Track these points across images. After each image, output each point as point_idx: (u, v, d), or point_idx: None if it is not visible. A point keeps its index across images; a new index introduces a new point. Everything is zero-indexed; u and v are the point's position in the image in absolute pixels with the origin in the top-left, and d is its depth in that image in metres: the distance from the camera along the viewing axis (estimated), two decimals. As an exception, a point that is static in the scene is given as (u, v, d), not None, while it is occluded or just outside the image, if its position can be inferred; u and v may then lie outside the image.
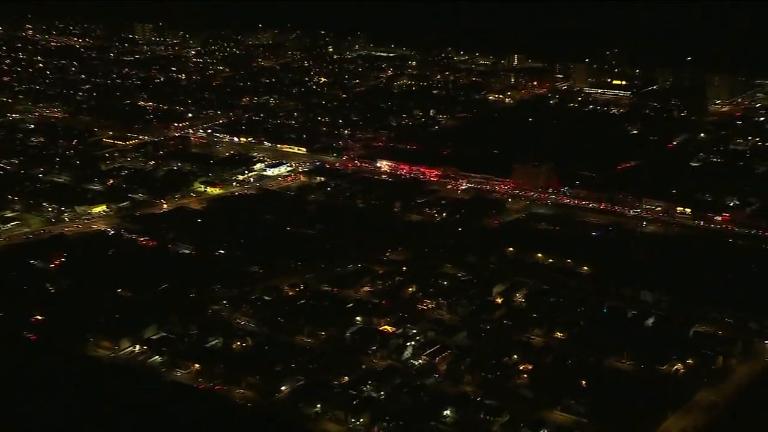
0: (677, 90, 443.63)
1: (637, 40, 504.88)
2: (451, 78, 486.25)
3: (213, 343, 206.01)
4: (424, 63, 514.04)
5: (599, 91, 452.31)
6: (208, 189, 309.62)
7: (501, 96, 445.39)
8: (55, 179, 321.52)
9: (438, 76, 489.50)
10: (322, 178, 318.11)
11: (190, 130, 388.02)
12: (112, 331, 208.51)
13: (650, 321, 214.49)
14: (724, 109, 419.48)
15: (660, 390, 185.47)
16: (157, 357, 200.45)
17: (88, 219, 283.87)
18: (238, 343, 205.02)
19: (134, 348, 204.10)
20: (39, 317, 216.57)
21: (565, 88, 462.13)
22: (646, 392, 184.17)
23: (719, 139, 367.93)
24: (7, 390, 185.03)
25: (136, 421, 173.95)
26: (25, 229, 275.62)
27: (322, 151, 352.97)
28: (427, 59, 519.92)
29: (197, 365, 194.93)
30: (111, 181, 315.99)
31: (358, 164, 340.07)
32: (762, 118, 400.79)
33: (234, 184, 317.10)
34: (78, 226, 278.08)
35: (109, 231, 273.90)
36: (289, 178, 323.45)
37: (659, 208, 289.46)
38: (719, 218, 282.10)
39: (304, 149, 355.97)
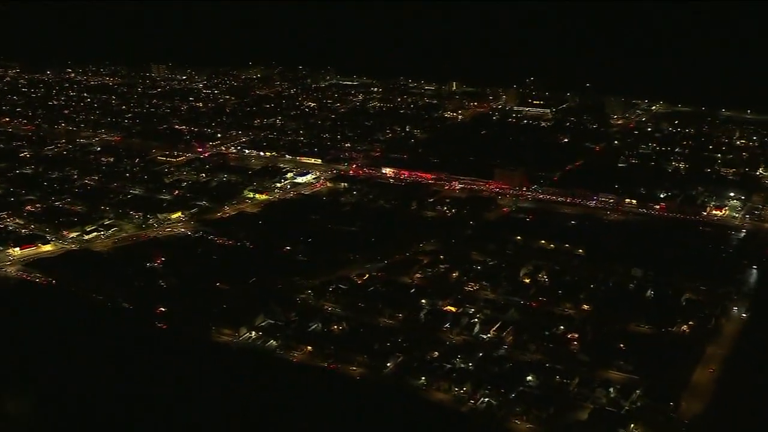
0: (584, 107, 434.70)
1: (547, 70, 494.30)
2: (409, 100, 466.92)
3: (313, 327, 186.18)
4: (386, 89, 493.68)
5: (526, 109, 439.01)
6: (256, 195, 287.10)
7: (454, 114, 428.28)
8: (131, 192, 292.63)
9: (399, 99, 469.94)
10: (345, 184, 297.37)
11: (223, 148, 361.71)
12: (229, 320, 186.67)
13: (650, 293, 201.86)
14: (619, 122, 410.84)
15: (679, 347, 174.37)
16: (272, 341, 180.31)
17: (169, 224, 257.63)
18: (335, 326, 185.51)
19: (251, 334, 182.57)
20: (162, 309, 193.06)
21: (500, 107, 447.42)
22: (669, 349, 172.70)
23: (629, 145, 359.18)
24: (161, 375, 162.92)
25: (275, 399, 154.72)
26: (124, 234, 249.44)
27: (335, 162, 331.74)
28: (388, 86, 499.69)
29: (309, 347, 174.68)
30: (177, 192, 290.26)
31: (367, 171, 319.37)
32: (650, 129, 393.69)
33: (275, 191, 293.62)
34: (165, 230, 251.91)
35: (191, 233, 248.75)
36: (318, 185, 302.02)
37: (612, 200, 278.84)
38: (658, 207, 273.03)
39: (320, 160, 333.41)
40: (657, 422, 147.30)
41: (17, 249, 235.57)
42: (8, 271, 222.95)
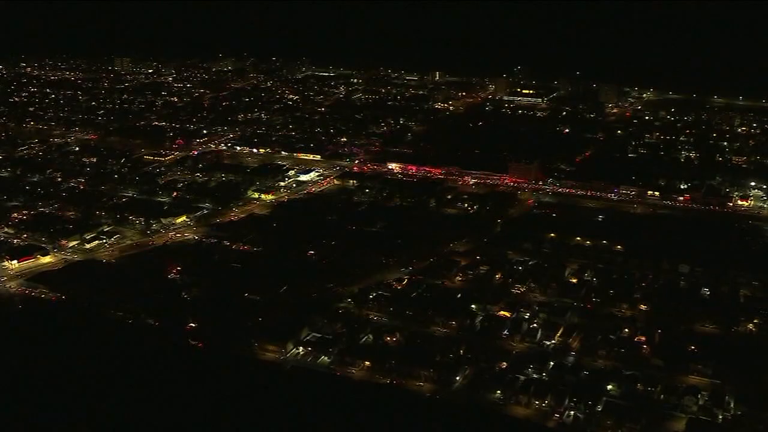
0: (577, 96, 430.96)
1: (533, 58, 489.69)
2: (393, 92, 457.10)
3: (364, 339, 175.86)
4: (368, 80, 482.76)
5: (517, 98, 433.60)
6: (262, 196, 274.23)
7: (445, 105, 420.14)
8: (125, 194, 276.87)
9: (383, 91, 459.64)
10: (355, 181, 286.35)
11: (212, 145, 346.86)
12: (272, 334, 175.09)
13: (705, 291, 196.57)
14: (615, 111, 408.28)
15: (750, 347, 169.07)
16: (323, 357, 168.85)
17: (175, 229, 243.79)
18: (388, 338, 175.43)
19: (298, 350, 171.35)
20: (193, 324, 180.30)
21: (490, 97, 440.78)
22: (742, 350, 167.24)
23: (632, 135, 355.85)
24: (209, 400, 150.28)
25: (346, 421, 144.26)
26: (128, 242, 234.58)
27: (336, 157, 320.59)
28: (369, 77, 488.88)
29: (367, 362, 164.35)
30: (175, 194, 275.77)
31: (372, 167, 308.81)
32: (648, 117, 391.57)
33: (282, 190, 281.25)
34: (173, 236, 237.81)
35: (202, 239, 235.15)
36: (324, 182, 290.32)
37: (633, 193, 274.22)
38: (681, 198, 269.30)
39: (319, 156, 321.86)
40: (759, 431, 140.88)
41: (15, 262, 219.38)
42: (9, 287, 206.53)
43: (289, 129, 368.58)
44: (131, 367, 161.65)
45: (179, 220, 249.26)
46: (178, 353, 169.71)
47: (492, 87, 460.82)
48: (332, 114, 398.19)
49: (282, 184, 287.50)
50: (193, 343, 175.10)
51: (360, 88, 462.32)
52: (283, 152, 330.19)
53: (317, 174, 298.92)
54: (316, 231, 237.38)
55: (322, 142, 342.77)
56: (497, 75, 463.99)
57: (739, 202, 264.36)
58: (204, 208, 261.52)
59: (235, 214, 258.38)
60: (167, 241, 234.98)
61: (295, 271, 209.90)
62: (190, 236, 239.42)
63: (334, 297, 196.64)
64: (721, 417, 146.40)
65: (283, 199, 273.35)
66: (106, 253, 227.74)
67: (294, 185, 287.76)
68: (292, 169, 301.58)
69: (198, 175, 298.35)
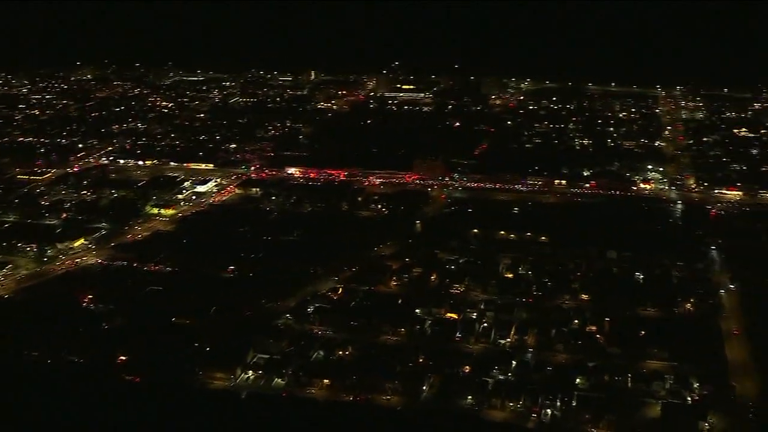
0: (460, 89, 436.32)
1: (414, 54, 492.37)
2: (271, 93, 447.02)
3: (315, 356, 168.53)
4: (242, 83, 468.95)
5: (399, 94, 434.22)
6: (162, 211, 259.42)
7: (328, 104, 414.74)
8: (4, 220, 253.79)
9: (259, 93, 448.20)
10: (258, 189, 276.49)
11: (91, 160, 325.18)
12: (215, 360, 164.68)
13: (639, 275, 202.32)
14: (498, 102, 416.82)
15: (696, 327, 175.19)
16: (277, 379, 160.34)
17: (74, 253, 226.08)
18: (340, 352, 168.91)
19: (248, 374, 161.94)
20: (123, 357, 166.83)
21: (372, 95, 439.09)
22: (688, 330, 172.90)
23: (523, 125, 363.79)
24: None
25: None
26: (24, 272, 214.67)
27: (230, 165, 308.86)
28: (242, 80, 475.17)
29: (326, 380, 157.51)
30: (64, 215, 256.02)
31: (271, 173, 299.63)
32: (532, 107, 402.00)
33: (181, 203, 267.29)
34: (74, 262, 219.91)
35: (109, 263, 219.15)
36: (225, 192, 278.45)
37: (540, 182, 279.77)
38: (588, 185, 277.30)
39: (211, 165, 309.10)
40: (728, 408, 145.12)
41: None
42: None
43: (172, 138, 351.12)
44: (63, 415, 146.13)
45: (77, 244, 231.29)
46: (115, 392, 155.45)
47: (371, 84, 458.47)
48: (213, 120, 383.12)
49: (180, 197, 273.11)
50: (129, 378, 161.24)
51: (236, 92, 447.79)
52: (172, 163, 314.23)
53: (215, 184, 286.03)
54: (231, 244, 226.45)
55: (212, 150, 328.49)
56: (374, 72, 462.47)
57: (642, 186, 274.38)
58: (101, 228, 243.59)
59: (138, 232, 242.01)
60: (69, 267, 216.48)
61: (221, 290, 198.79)
62: (93, 260, 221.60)
63: (270, 314, 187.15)
64: (689, 399, 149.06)
65: (185, 213, 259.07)
66: (1, 287, 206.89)
67: (193, 197, 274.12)
68: (187, 181, 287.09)
69: (85, 193, 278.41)
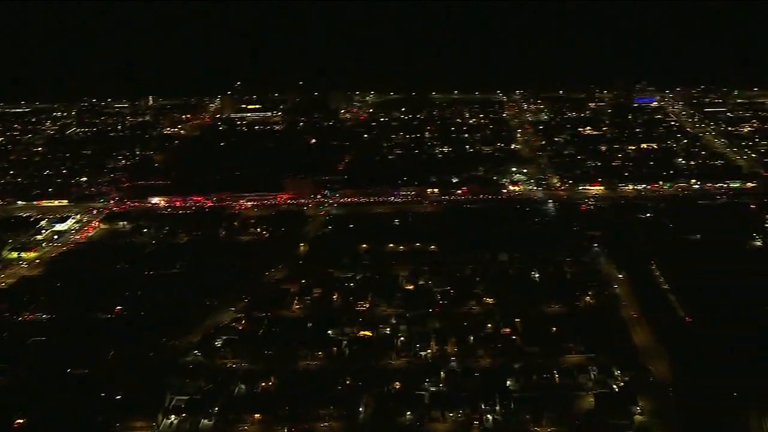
0: (308, 105, 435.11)
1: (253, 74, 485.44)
2: (110, 122, 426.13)
3: (237, 390, 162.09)
4: (76, 113, 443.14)
5: (246, 115, 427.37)
6: (23, 254, 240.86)
7: (175, 130, 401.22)
8: None
9: (97, 121, 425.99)
10: (125, 222, 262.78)
11: None
12: (131, 410, 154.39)
13: (536, 274, 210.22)
14: (347, 116, 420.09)
15: (602, 318, 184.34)
16: (203, 420, 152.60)
17: None
18: (263, 383, 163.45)
19: (170, 419, 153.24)
20: (21, 420, 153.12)
21: (219, 117, 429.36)
22: (595, 322, 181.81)
23: (380, 137, 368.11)
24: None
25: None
26: None
27: (86, 199, 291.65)
28: (75, 109, 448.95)
29: (257, 415, 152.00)
30: None
31: (134, 204, 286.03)
32: (383, 118, 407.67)
33: (43, 245, 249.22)
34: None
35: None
36: (89, 228, 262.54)
37: (413, 192, 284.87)
38: (460, 192, 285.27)
39: (65, 201, 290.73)
40: (650, 390, 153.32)
41: None
42: None
43: (12, 175, 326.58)
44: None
45: None
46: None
47: (214, 106, 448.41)
48: (54, 153, 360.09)
49: (39, 237, 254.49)
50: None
51: (72, 122, 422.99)
52: (19, 202, 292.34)
53: (75, 221, 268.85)
54: (111, 283, 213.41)
55: (60, 185, 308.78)
56: (216, 93, 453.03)
57: (511, 188, 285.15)
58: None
59: (1, 280, 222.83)
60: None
61: (112, 332, 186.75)
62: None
63: (175, 352, 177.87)
64: (615, 387, 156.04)
65: (50, 254, 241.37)
66: None
67: (55, 237, 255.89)
68: (43, 220, 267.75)
69: None
